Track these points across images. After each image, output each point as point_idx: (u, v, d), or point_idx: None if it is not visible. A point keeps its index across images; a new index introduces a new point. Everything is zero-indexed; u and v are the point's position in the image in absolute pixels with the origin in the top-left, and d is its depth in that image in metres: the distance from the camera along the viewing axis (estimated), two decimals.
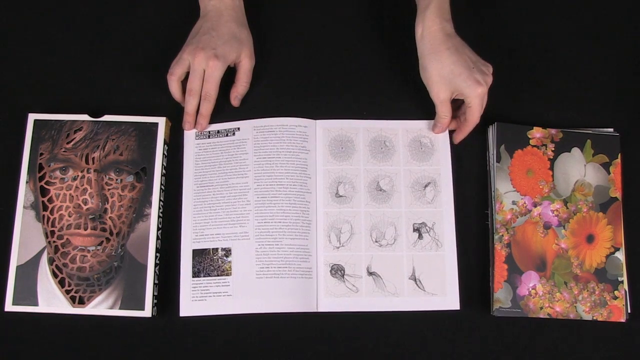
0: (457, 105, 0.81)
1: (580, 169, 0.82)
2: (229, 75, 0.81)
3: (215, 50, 0.77)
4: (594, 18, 0.90)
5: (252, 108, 0.83)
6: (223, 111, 0.83)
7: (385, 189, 0.81)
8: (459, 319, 0.78)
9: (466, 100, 0.77)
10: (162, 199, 0.79)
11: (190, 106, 0.80)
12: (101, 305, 0.75)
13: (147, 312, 0.74)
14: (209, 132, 0.82)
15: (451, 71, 0.76)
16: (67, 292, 0.75)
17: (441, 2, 0.77)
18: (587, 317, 0.78)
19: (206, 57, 0.77)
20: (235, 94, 0.82)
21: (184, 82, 0.80)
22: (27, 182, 0.78)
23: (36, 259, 0.76)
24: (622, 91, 0.87)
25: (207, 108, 0.80)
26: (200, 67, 0.78)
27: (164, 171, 0.80)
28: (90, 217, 0.77)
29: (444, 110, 0.79)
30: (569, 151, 0.82)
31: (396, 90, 0.85)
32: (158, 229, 0.77)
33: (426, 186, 0.80)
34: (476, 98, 0.76)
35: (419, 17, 0.78)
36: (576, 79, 0.87)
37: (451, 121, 0.81)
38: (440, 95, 0.77)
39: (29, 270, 0.75)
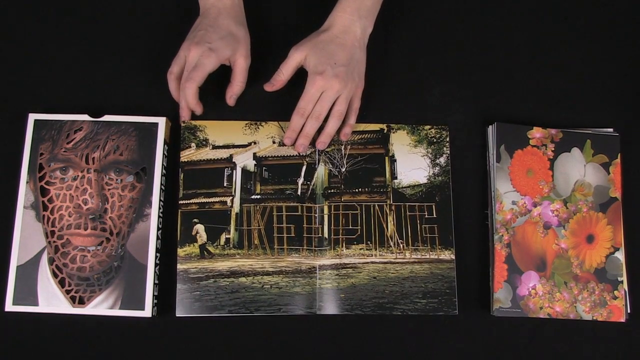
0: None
1: (580, 169, 0.82)
2: (226, 75, 0.81)
3: (210, 44, 0.77)
4: (593, 18, 0.90)
5: (249, 108, 0.83)
6: (220, 111, 0.82)
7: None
8: (458, 319, 0.78)
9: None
10: (162, 199, 0.79)
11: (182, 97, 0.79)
12: (101, 305, 0.75)
13: (147, 312, 0.74)
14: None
15: (323, 48, 0.77)
16: (67, 292, 0.75)
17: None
18: (587, 317, 0.78)
19: (200, 51, 0.77)
20: (231, 94, 0.81)
21: None
22: (27, 182, 0.78)
23: (36, 259, 0.76)
24: (622, 91, 0.87)
25: (191, 88, 0.77)
26: (194, 61, 0.77)
27: (164, 171, 0.80)
28: (90, 217, 0.77)
29: (287, 69, 0.79)
30: (569, 151, 0.82)
31: (396, 90, 0.85)
32: (158, 229, 0.77)
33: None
34: (311, 78, 0.77)
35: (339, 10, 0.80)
36: (576, 79, 0.87)
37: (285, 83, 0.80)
38: (295, 53, 0.78)
39: (29, 270, 0.75)
